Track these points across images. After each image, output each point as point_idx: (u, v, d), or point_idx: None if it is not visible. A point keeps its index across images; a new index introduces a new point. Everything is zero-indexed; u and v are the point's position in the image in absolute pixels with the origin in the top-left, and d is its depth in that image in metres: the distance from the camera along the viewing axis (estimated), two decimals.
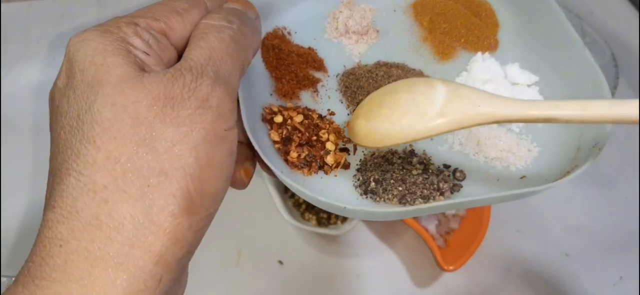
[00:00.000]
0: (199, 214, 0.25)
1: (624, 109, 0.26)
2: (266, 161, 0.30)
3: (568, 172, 0.33)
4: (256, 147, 0.30)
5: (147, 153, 0.24)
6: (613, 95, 0.52)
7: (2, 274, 0.35)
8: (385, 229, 0.59)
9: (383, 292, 0.51)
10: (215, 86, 0.26)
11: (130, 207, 0.23)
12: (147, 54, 0.27)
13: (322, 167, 0.34)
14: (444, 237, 0.58)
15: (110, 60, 0.25)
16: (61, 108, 0.26)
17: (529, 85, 0.40)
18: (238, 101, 0.32)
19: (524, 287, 0.53)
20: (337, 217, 0.59)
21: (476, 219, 0.58)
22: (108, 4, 0.50)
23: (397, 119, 0.30)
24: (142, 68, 0.26)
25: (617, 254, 0.52)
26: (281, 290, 0.43)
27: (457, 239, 0.57)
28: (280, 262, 0.44)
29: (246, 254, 0.41)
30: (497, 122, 0.29)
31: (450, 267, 0.52)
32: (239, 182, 0.33)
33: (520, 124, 0.38)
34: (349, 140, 0.36)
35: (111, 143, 0.23)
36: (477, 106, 0.28)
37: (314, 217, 0.58)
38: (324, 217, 0.58)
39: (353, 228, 0.55)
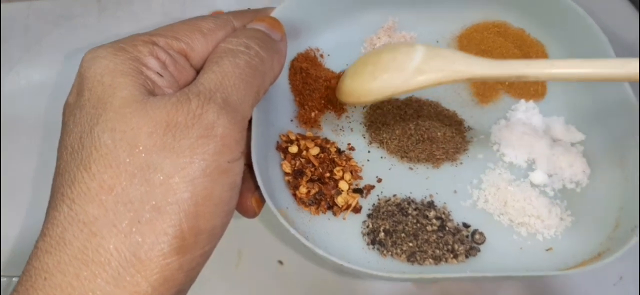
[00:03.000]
0: (192, 253, 0.24)
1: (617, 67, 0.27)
2: (267, 199, 0.28)
3: (599, 255, 0.30)
4: (259, 182, 0.29)
5: (142, 185, 0.23)
6: None
7: (2, 274, 0.35)
8: None
9: (383, 291, 0.50)
10: (222, 114, 0.24)
11: (119, 242, 0.22)
12: (161, 76, 0.26)
13: (331, 207, 0.33)
14: None
15: (118, 81, 0.25)
16: (68, 126, 0.25)
17: (572, 144, 0.36)
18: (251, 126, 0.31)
19: (523, 287, 0.51)
20: None
21: None
22: (108, 4, 0.49)
23: (378, 74, 0.32)
24: (151, 90, 0.25)
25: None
26: (281, 290, 0.42)
27: None
28: (280, 262, 0.43)
29: (246, 254, 0.40)
30: (472, 79, 0.30)
31: None
32: (249, 211, 0.31)
33: (555, 187, 0.35)
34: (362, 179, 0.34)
35: (106, 171, 0.23)
36: (452, 63, 0.30)
37: None
38: None
39: None
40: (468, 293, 0.51)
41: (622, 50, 0.60)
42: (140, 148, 0.23)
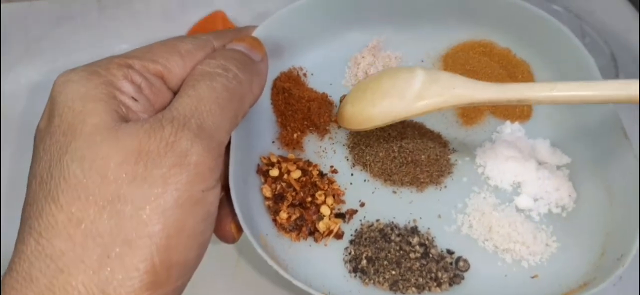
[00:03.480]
0: (164, 289, 0.23)
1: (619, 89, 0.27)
2: (244, 226, 0.28)
3: (585, 284, 0.29)
4: (236, 209, 0.28)
5: (112, 217, 0.22)
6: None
7: (2, 273, 0.34)
8: None
9: None
10: (196, 141, 0.23)
11: (87, 279, 0.21)
12: (136, 100, 0.25)
13: (313, 233, 0.32)
14: None
15: (90, 107, 0.24)
16: (38, 153, 0.24)
17: (558, 167, 0.36)
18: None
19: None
20: None
21: None
22: (108, 3, 0.49)
23: (378, 101, 0.32)
24: (125, 116, 0.24)
25: None
26: (281, 290, 0.41)
27: None
28: None
29: (246, 254, 0.40)
30: (473, 104, 0.30)
31: None
32: (229, 237, 0.31)
33: (541, 212, 0.34)
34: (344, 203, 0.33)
35: (74, 204, 0.22)
36: (452, 88, 0.30)
37: None
38: None
39: None
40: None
41: (622, 50, 0.60)
42: (111, 178, 0.22)
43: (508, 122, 0.38)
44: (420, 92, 0.30)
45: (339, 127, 0.37)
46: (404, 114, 0.31)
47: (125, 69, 0.26)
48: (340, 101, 0.37)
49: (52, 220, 0.22)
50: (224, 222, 0.30)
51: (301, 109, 0.36)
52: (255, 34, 0.34)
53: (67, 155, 0.23)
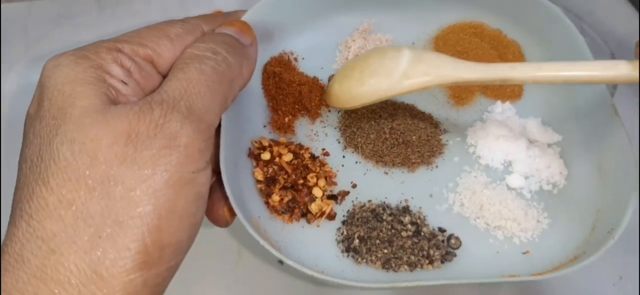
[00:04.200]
0: (157, 268, 0.23)
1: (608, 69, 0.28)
2: (236, 208, 0.28)
3: (575, 258, 0.30)
4: (228, 191, 0.28)
5: (102, 198, 0.22)
6: (612, 95, 0.49)
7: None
8: None
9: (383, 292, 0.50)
10: (186, 123, 0.24)
11: (79, 259, 0.21)
12: (125, 83, 0.25)
13: (305, 214, 0.32)
14: None
15: (79, 90, 0.24)
16: (28, 138, 0.24)
17: (549, 145, 0.36)
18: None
19: (523, 287, 0.51)
20: None
21: None
22: (108, 3, 0.49)
23: (366, 79, 0.32)
24: (114, 99, 0.25)
25: (617, 254, 0.50)
26: (281, 290, 0.41)
27: None
28: (281, 262, 0.42)
29: (246, 254, 0.40)
30: (457, 83, 0.30)
31: None
32: (221, 220, 0.31)
33: (532, 189, 0.34)
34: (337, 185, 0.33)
35: (65, 185, 0.22)
36: (438, 68, 0.31)
37: None
38: None
39: None
40: (468, 293, 0.51)
41: (622, 50, 0.60)
42: (101, 160, 0.22)
43: (499, 102, 0.38)
44: (406, 71, 0.31)
45: (328, 108, 0.37)
46: (390, 92, 0.31)
47: (114, 53, 0.26)
48: (329, 81, 0.37)
49: (43, 202, 0.22)
50: (217, 206, 0.30)
51: (292, 93, 0.36)
52: (244, 18, 0.34)
53: (57, 138, 0.23)
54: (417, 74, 0.31)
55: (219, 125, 0.30)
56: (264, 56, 0.38)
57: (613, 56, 0.56)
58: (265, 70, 0.37)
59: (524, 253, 0.32)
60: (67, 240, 0.22)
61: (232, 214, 0.30)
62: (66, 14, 0.47)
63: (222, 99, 0.27)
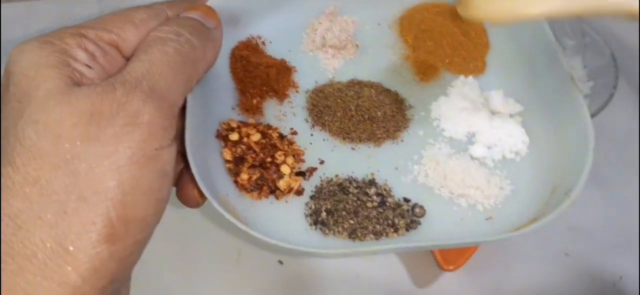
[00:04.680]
0: (123, 242, 0.24)
1: None
2: (201, 185, 0.28)
3: (534, 220, 0.31)
4: (194, 170, 0.29)
5: (67, 176, 0.23)
6: (613, 95, 0.50)
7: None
8: None
9: (383, 291, 0.51)
10: (148, 101, 0.24)
11: (45, 234, 0.22)
12: (89, 67, 0.26)
13: (274, 191, 0.33)
14: None
15: (43, 73, 0.24)
16: None
17: (511, 115, 0.37)
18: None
19: (523, 287, 0.52)
20: None
21: None
22: (108, 4, 0.49)
23: None
24: (78, 82, 0.25)
25: (617, 254, 0.51)
26: (281, 290, 0.42)
27: None
28: (280, 262, 0.43)
29: (246, 254, 0.40)
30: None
31: (450, 267, 0.50)
32: (192, 201, 0.31)
33: (495, 158, 0.35)
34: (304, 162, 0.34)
35: (30, 164, 0.23)
36: None
37: None
38: None
39: None
40: (468, 293, 0.52)
41: (622, 50, 0.61)
42: (64, 139, 0.23)
43: (462, 77, 0.39)
44: None
45: (460, 15, 0.31)
46: (558, 8, 0.26)
47: (78, 38, 0.26)
48: None
49: (9, 181, 0.22)
50: (187, 187, 0.31)
51: (260, 75, 0.37)
52: (210, 3, 0.34)
53: (22, 120, 0.23)
54: None
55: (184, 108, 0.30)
56: (231, 41, 0.38)
57: (613, 56, 0.56)
58: (232, 55, 0.38)
59: (487, 219, 0.33)
60: (33, 217, 0.22)
61: (202, 194, 0.31)
62: (66, 14, 0.48)
63: (185, 79, 0.27)
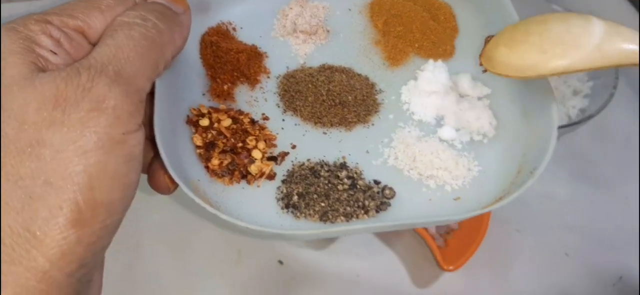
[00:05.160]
0: (91, 227, 0.23)
1: None
2: (170, 170, 0.28)
3: (500, 198, 0.32)
4: (163, 155, 0.29)
5: (32, 161, 0.22)
6: (613, 95, 0.51)
7: None
8: None
9: (383, 291, 0.51)
10: (114, 86, 0.24)
11: (11, 220, 0.22)
12: (54, 53, 0.26)
13: (245, 176, 0.33)
14: (444, 236, 0.56)
15: (8, 60, 0.24)
16: None
17: (479, 98, 0.38)
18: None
19: (523, 287, 0.52)
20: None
21: (476, 219, 0.56)
22: None
23: (549, 47, 0.29)
24: (43, 68, 0.25)
25: (617, 254, 0.52)
26: (281, 290, 0.42)
27: (457, 239, 0.55)
28: (280, 262, 0.43)
29: (246, 254, 0.40)
30: None
31: (450, 267, 0.51)
32: (163, 187, 0.31)
33: (463, 140, 0.36)
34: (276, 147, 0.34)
35: None
36: (634, 44, 0.28)
37: None
38: None
39: None
40: (468, 293, 0.52)
41: None
42: (29, 124, 0.23)
43: (431, 61, 0.39)
44: (601, 45, 0.28)
45: (485, 70, 0.35)
46: (581, 65, 0.28)
47: (43, 24, 0.26)
48: (486, 42, 0.36)
49: None
50: (158, 173, 0.31)
51: (230, 60, 0.37)
52: None
53: None
54: (614, 49, 0.28)
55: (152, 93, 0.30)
56: (201, 27, 0.38)
57: None
58: (202, 40, 0.38)
59: (455, 199, 0.33)
60: None
61: (173, 180, 0.31)
62: None
63: (152, 64, 0.27)
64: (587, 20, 0.29)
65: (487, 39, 0.36)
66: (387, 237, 0.56)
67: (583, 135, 0.57)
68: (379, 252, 0.54)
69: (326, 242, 0.54)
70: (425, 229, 0.55)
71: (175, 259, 0.47)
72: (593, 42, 0.28)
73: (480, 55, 0.35)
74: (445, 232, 0.57)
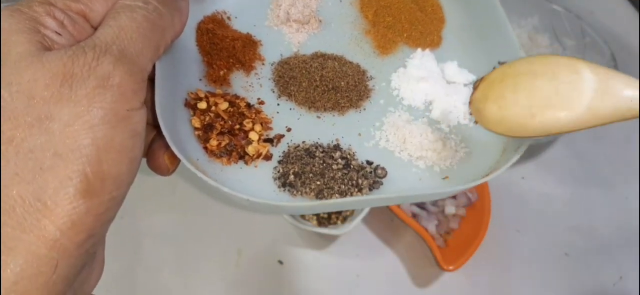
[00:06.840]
0: (99, 198, 0.24)
1: None
2: (174, 147, 0.29)
3: (486, 175, 0.33)
4: (164, 131, 0.30)
5: (41, 134, 0.23)
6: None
7: None
8: (385, 229, 0.59)
9: (383, 291, 0.52)
10: (118, 64, 0.25)
11: (22, 190, 0.23)
12: (59, 34, 0.27)
13: (243, 157, 0.34)
14: (444, 237, 0.58)
15: (14, 39, 0.25)
16: None
17: (465, 85, 0.40)
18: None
19: (523, 287, 0.53)
20: (337, 216, 0.58)
21: (476, 219, 0.57)
22: None
23: (538, 111, 0.28)
24: (49, 47, 0.26)
25: (617, 254, 0.52)
26: (281, 290, 0.42)
27: (457, 239, 0.56)
28: (280, 262, 0.44)
29: (246, 254, 0.41)
30: None
31: (450, 267, 0.52)
32: (162, 168, 0.32)
33: (451, 124, 0.38)
34: (272, 130, 0.36)
35: (5, 124, 0.23)
36: (630, 101, 0.26)
37: (314, 217, 0.57)
38: (324, 217, 0.57)
39: (353, 228, 0.54)
40: (468, 293, 0.52)
41: (622, 50, 0.63)
42: (37, 99, 0.24)
43: (419, 50, 0.41)
44: (592, 105, 0.27)
45: (476, 122, 0.35)
46: (572, 128, 0.27)
47: (46, 6, 0.27)
48: (475, 88, 0.35)
49: None
50: (157, 154, 0.32)
51: (226, 47, 0.38)
52: None
53: None
54: (606, 109, 0.26)
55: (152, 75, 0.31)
56: (197, 16, 0.39)
57: (613, 56, 0.58)
58: (199, 28, 0.39)
59: (443, 179, 0.35)
60: (10, 173, 0.23)
61: (173, 160, 0.32)
62: None
63: (154, 46, 0.28)
64: (576, 73, 0.27)
65: (476, 85, 0.35)
66: (387, 237, 0.58)
67: (583, 135, 0.57)
68: (379, 252, 0.55)
69: (326, 242, 0.55)
70: (425, 229, 0.56)
71: (175, 259, 0.47)
72: (583, 102, 0.27)
73: (470, 102, 0.35)
74: (445, 232, 0.59)
